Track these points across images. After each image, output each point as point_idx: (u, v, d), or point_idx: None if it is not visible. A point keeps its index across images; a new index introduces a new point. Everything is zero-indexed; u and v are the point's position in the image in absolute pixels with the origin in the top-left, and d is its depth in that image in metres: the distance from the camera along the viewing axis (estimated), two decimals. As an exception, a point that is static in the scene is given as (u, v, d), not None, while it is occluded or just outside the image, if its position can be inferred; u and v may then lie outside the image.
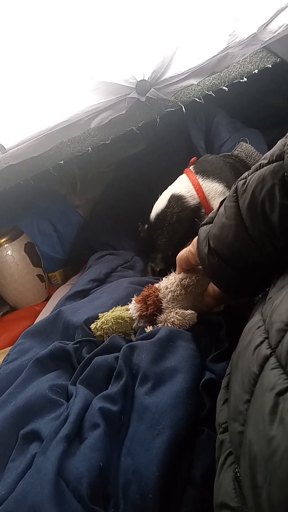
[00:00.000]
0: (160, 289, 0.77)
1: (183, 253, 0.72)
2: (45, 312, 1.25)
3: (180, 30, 1.00)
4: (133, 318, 0.77)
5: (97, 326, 0.79)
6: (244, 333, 0.47)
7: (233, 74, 1.03)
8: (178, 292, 0.75)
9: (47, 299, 1.44)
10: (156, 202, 1.13)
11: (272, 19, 0.99)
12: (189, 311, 0.74)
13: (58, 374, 0.73)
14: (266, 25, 0.99)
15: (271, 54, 1.03)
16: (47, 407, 0.65)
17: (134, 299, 0.79)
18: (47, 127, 0.99)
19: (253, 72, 1.03)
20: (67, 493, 0.48)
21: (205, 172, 1.09)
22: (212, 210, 1.05)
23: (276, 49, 1.02)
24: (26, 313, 1.37)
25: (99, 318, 0.80)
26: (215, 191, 1.06)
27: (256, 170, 0.50)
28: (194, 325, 0.75)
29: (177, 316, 0.73)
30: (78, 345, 0.77)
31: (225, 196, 1.05)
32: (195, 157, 1.17)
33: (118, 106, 1.01)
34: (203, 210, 1.06)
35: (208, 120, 1.44)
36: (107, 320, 0.78)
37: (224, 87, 1.03)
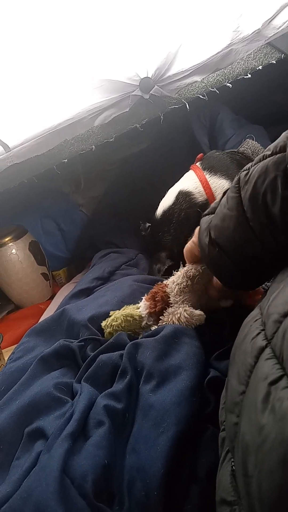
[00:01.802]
0: (168, 284, 0.76)
1: (187, 246, 0.71)
2: (50, 311, 1.25)
3: (183, 27, 0.99)
4: (142, 316, 0.77)
5: (107, 324, 0.79)
6: (242, 327, 0.48)
7: (237, 71, 1.02)
8: (185, 283, 0.73)
9: (52, 298, 1.44)
10: (163, 199, 1.13)
11: (276, 15, 0.98)
12: (198, 311, 0.72)
13: (63, 372, 0.74)
14: (270, 21, 0.98)
15: (275, 50, 1.02)
16: (52, 405, 0.65)
17: (144, 297, 0.79)
18: (51, 125, 0.99)
19: (257, 68, 1.03)
20: (72, 491, 0.48)
21: (213, 169, 1.08)
22: None
23: (280, 45, 1.01)
24: (30, 311, 1.37)
25: (109, 316, 0.80)
26: (222, 187, 1.06)
27: (260, 161, 0.49)
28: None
29: (185, 314, 0.71)
30: (82, 343, 0.77)
31: None
32: (201, 154, 1.17)
33: (121, 104, 1.01)
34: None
35: (212, 117, 1.44)
36: (117, 317, 0.78)
37: (228, 84, 1.03)
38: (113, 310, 0.84)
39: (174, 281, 0.75)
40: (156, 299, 0.76)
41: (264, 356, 0.37)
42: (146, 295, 0.79)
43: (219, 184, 1.06)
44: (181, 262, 0.80)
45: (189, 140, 1.46)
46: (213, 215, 0.58)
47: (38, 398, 0.66)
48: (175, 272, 0.78)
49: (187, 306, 0.73)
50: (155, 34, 0.99)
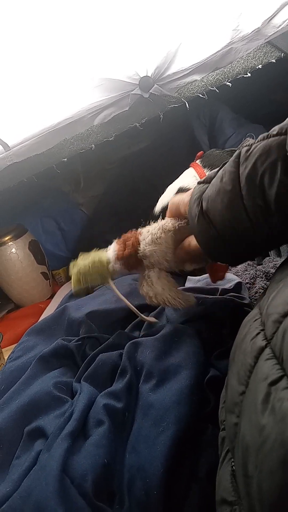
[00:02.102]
0: (142, 232, 0.73)
1: (175, 199, 0.68)
2: (50, 310, 1.25)
3: (183, 26, 0.99)
4: (109, 258, 0.74)
5: (74, 263, 0.76)
6: (242, 327, 0.47)
7: (237, 70, 1.02)
8: (158, 235, 0.70)
9: (51, 297, 1.44)
10: (162, 196, 1.13)
11: (276, 14, 0.98)
12: (189, 294, 0.71)
13: (63, 371, 0.74)
14: (270, 20, 0.98)
15: (275, 49, 1.02)
16: (51, 404, 0.65)
17: (115, 240, 0.75)
18: (50, 124, 0.99)
19: (257, 67, 1.02)
20: (72, 490, 0.48)
21: (213, 166, 1.08)
22: None
23: (280, 44, 1.01)
24: (30, 310, 1.37)
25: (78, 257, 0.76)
26: None
27: (263, 139, 0.47)
28: (198, 322, 0.75)
29: (173, 295, 0.69)
30: (80, 342, 0.77)
31: None
32: (201, 151, 1.16)
33: (121, 102, 1.01)
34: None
35: (212, 116, 1.44)
36: (85, 257, 0.75)
37: (228, 83, 1.03)
38: (113, 309, 0.84)
39: (149, 231, 0.72)
40: (127, 243, 0.72)
41: (263, 356, 0.37)
42: (118, 238, 0.76)
43: None
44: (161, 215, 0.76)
45: (189, 139, 1.45)
46: (208, 184, 0.56)
47: (38, 397, 0.66)
48: (152, 223, 0.75)
49: (157, 270, 0.71)
50: (155, 33, 0.99)
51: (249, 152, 0.48)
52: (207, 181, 0.57)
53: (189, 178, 1.09)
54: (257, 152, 0.46)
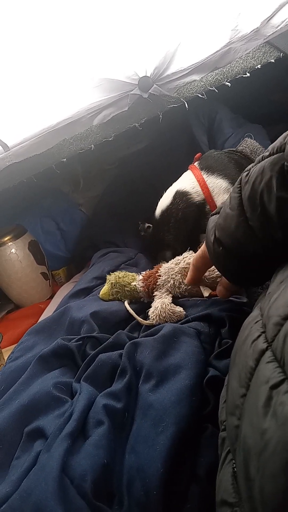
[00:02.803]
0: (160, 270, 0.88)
1: (198, 251, 0.73)
2: (49, 310, 1.25)
3: (182, 26, 0.99)
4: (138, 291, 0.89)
5: (108, 292, 0.93)
6: (243, 328, 0.47)
7: (236, 70, 1.02)
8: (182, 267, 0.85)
9: (51, 297, 1.44)
10: (161, 199, 1.13)
11: (275, 14, 0.98)
12: (178, 308, 0.81)
13: (62, 372, 0.74)
14: (269, 20, 0.98)
15: (274, 49, 1.02)
16: (51, 405, 0.65)
17: (142, 275, 0.90)
18: (50, 125, 0.99)
19: (256, 67, 1.02)
20: (71, 490, 0.48)
21: (210, 168, 1.08)
22: (216, 206, 1.05)
23: (279, 44, 1.01)
24: (30, 311, 1.37)
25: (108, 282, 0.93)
26: (219, 187, 1.06)
27: (259, 162, 0.51)
28: (197, 322, 0.75)
29: (168, 311, 0.80)
30: (80, 342, 0.77)
31: (229, 192, 1.05)
32: (199, 153, 1.17)
33: (120, 103, 1.00)
34: (207, 207, 1.06)
35: (211, 116, 1.44)
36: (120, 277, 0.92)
37: (227, 83, 1.03)
38: (115, 310, 0.85)
39: (166, 269, 0.87)
40: (148, 280, 0.88)
41: (264, 359, 0.37)
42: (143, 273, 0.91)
43: (216, 184, 1.06)
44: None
45: (188, 139, 1.45)
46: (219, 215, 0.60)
47: (38, 398, 0.66)
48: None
49: (169, 297, 0.84)
50: (154, 33, 0.99)
51: (248, 176, 0.51)
52: (218, 212, 0.61)
53: (187, 181, 1.09)
54: (254, 174, 0.50)
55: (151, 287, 0.87)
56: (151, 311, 0.82)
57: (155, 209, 1.15)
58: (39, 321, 1.05)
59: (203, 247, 0.70)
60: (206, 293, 0.81)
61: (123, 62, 0.96)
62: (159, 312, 0.80)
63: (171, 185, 1.13)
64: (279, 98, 1.56)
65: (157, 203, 1.15)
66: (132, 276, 0.92)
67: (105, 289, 0.93)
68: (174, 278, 0.85)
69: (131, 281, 0.90)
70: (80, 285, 1.09)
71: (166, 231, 1.10)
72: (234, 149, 1.19)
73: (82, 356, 0.76)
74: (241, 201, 0.52)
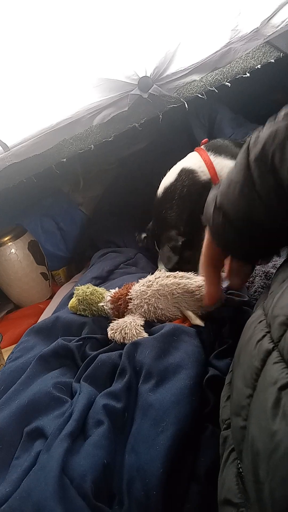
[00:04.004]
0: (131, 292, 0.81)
1: (204, 240, 0.64)
2: (49, 310, 1.25)
3: (182, 26, 0.99)
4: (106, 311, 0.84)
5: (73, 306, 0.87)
6: (246, 328, 0.47)
7: (236, 70, 1.02)
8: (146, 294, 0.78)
9: (51, 297, 1.44)
10: (164, 178, 1.12)
11: (275, 14, 0.98)
12: (145, 334, 0.74)
13: (62, 372, 0.74)
14: (269, 20, 0.98)
15: (274, 49, 1.02)
16: (51, 405, 0.65)
17: (111, 296, 0.83)
18: (50, 125, 0.99)
19: (256, 67, 1.02)
20: (71, 491, 0.48)
21: (217, 150, 1.08)
22: None
23: (279, 44, 1.01)
24: (30, 311, 1.37)
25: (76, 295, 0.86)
26: (227, 167, 1.05)
27: (269, 125, 0.47)
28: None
29: (133, 329, 0.74)
30: (81, 342, 0.77)
31: None
32: (206, 139, 1.16)
33: (120, 103, 1.00)
34: (213, 186, 1.06)
35: (211, 116, 1.44)
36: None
37: (227, 83, 1.03)
38: None
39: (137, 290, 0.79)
40: (119, 303, 0.81)
41: (271, 359, 0.36)
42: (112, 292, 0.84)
43: (224, 164, 1.05)
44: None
45: (188, 139, 1.45)
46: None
47: (38, 398, 0.66)
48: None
49: (141, 320, 0.77)
50: (154, 33, 0.99)
51: (257, 137, 0.47)
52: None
53: (193, 159, 1.09)
54: (265, 135, 0.46)
55: (122, 311, 0.80)
56: (115, 322, 0.77)
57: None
58: (38, 321, 1.05)
59: (207, 234, 0.63)
60: (198, 321, 0.74)
61: (123, 62, 0.96)
62: (122, 327, 0.74)
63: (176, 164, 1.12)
64: (279, 98, 1.56)
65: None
66: (101, 294, 0.84)
67: (73, 302, 0.87)
68: (148, 302, 0.77)
69: (99, 300, 0.84)
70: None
71: (169, 208, 1.08)
72: (239, 139, 1.18)
73: (82, 356, 0.76)
74: (248, 165, 0.47)
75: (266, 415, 0.33)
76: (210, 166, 1.05)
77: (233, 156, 1.05)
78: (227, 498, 0.38)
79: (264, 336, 0.40)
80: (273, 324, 0.39)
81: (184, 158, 1.12)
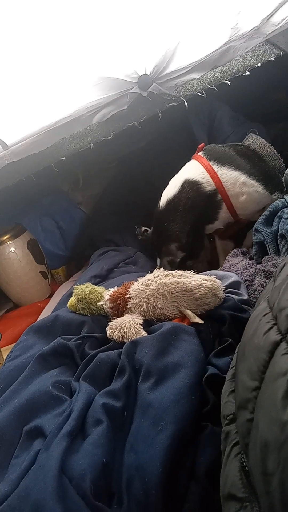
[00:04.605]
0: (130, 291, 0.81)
1: None
2: (49, 309, 1.25)
3: (181, 24, 0.99)
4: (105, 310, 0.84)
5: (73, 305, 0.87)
6: (250, 322, 0.47)
7: (236, 68, 1.02)
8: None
9: (50, 296, 1.44)
10: (166, 189, 1.12)
11: (275, 12, 0.98)
12: (144, 333, 0.74)
13: (61, 371, 0.73)
14: (269, 18, 0.98)
15: (274, 47, 1.01)
16: (50, 404, 0.65)
17: (109, 295, 0.84)
18: (49, 123, 0.98)
19: (256, 65, 1.02)
20: (70, 490, 0.48)
21: (219, 160, 1.07)
22: (230, 197, 1.03)
23: (279, 42, 1.00)
24: (29, 310, 1.37)
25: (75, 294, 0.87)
26: (234, 179, 1.05)
27: None
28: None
29: (132, 328, 0.74)
30: (80, 341, 0.77)
31: (247, 186, 1.03)
32: (203, 143, 1.16)
33: (120, 101, 1.00)
34: (219, 196, 1.06)
35: (211, 114, 1.43)
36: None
37: (227, 81, 1.02)
38: None
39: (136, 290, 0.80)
40: (118, 302, 0.81)
41: (280, 351, 0.36)
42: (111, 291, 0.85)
43: (230, 176, 1.05)
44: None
45: (187, 138, 1.45)
46: None
47: (37, 397, 0.66)
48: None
49: (140, 319, 0.77)
50: (154, 31, 0.99)
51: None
52: None
53: (195, 169, 1.08)
54: None
55: (121, 310, 0.80)
56: (114, 321, 0.77)
57: (155, 206, 1.14)
58: (38, 320, 1.05)
59: None
60: (197, 320, 0.74)
61: (123, 60, 0.96)
62: (121, 326, 0.74)
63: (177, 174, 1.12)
64: (279, 97, 1.55)
65: (157, 201, 1.14)
66: (100, 293, 0.85)
67: (72, 301, 0.88)
68: (147, 301, 0.77)
69: (98, 299, 0.84)
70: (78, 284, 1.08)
71: (172, 221, 1.08)
72: (238, 143, 1.18)
73: (81, 355, 0.76)
74: None
75: (275, 406, 0.33)
76: (214, 176, 1.05)
77: (237, 167, 1.05)
78: (231, 493, 0.38)
79: (270, 328, 0.40)
80: (280, 316, 0.39)
81: (185, 169, 1.11)
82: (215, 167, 1.06)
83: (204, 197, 1.06)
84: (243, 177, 1.04)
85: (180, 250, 1.08)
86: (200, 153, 1.12)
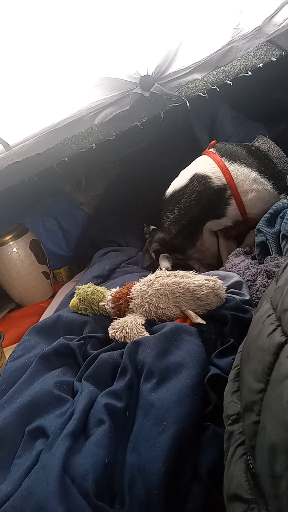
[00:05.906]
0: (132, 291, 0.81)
1: None
2: (51, 309, 1.25)
3: (183, 24, 0.99)
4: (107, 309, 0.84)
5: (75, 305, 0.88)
6: (253, 324, 0.47)
7: (238, 68, 1.02)
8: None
9: (53, 296, 1.44)
10: (175, 180, 1.13)
11: (277, 12, 0.98)
12: (146, 333, 0.74)
13: (64, 371, 0.74)
14: (271, 18, 0.98)
15: (276, 47, 1.01)
16: (52, 404, 0.65)
17: (111, 295, 0.84)
18: (51, 124, 0.98)
19: (258, 66, 1.02)
20: (72, 490, 0.48)
21: (231, 156, 1.08)
22: (240, 193, 1.04)
23: (281, 43, 1.00)
24: (31, 310, 1.37)
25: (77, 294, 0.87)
26: (245, 175, 1.05)
27: None
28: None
29: (135, 331, 0.74)
30: (82, 341, 0.78)
31: (257, 183, 1.03)
32: (214, 141, 1.16)
33: (122, 102, 1.00)
34: (228, 192, 1.06)
35: (213, 115, 1.43)
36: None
37: (229, 82, 1.02)
38: None
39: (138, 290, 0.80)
40: (120, 302, 0.81)
41: (285, 352, 0.36)
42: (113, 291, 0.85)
43: (241, 172, 1.05)
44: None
45: (189, 138, 1.45)
46: None
47: (39, 397, 0.66)
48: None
49: (142, 319, 0.77)
50: (155, 31, 0.99)
51: None
52: None
53: (206, 164, 1.09)
54: None
55: (123, 310, 0.81)
56: (116, 322, 0.77)
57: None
58: (40, 320, 1.05)
59: None
60: (199, 320, 0.74)
61: (125, 61, 0.96)
62: (123, 326, 0.74)
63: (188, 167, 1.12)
64: (281, 97, 1.55)
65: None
66: (102, 293, 0.86)
67: (74, 301, 0.88)
68: (148, 302, 0.77)
69: (100, 299, 0.84)
70: (80, 284, 1.08)
71: (169, 211, 1.09)
72: (247, 143, 1.18)
73: (83, 355, 0.76)
74: None
75: (282, 409, 0.33)
76: (225, 171, 1.05)
77: (248, 164, 1.06)
78: (237, 494, 0.38)
79: (274, 330, 0.40)
80: (283, 317, 0.39)
81: (196, 162, 1.12)
82: (226, 163, 1.07)
83: (211, 191, 1.06)
84: (254, 174, 1.05)
85: (161, 242, 1.11)
86: (211, 149, 1.12)
